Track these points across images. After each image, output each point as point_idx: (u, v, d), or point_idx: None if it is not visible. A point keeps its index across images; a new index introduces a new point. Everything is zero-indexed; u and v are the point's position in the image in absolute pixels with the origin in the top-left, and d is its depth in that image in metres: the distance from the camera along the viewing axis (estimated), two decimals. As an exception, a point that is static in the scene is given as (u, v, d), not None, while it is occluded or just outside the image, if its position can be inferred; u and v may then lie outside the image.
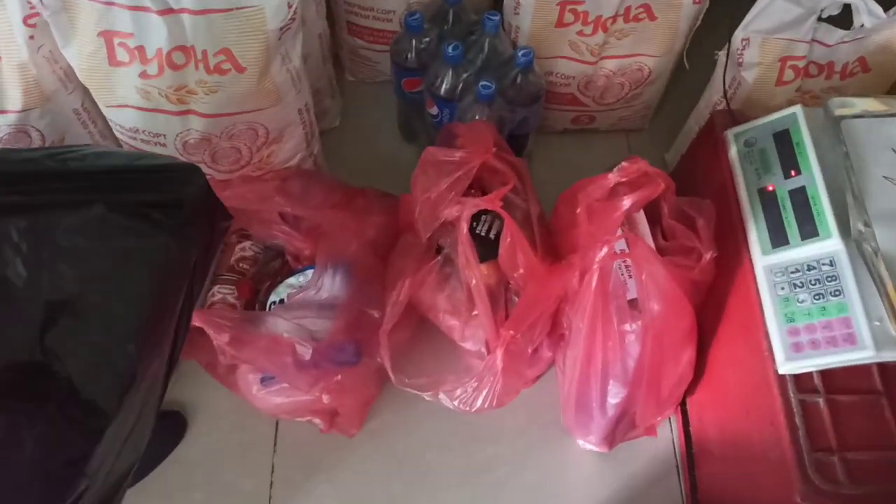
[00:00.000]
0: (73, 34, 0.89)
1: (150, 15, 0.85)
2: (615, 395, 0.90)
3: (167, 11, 0.86)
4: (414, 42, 1.11)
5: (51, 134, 0.99)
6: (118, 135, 1.03)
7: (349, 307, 0.93)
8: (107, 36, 0.88)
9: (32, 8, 0.88)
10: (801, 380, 0.77)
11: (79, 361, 0.57)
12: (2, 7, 0.88)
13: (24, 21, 0.88)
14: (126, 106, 0.95)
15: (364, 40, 1.27)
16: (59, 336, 0.56)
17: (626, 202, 0.80)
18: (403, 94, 1.18)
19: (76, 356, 0.57)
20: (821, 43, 0.98)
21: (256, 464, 1.03)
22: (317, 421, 1.02)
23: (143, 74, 0.90)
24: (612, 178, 0.83)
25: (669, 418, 1.06)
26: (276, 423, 1.06)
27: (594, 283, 0.81)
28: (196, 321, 0.86)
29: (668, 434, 1.06)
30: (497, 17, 1.05)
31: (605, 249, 0.80)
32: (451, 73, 1.07)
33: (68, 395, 0.56)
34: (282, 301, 0.98)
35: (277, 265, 1.07)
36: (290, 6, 0.90)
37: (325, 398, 0.93)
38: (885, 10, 0.92)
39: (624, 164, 0.83)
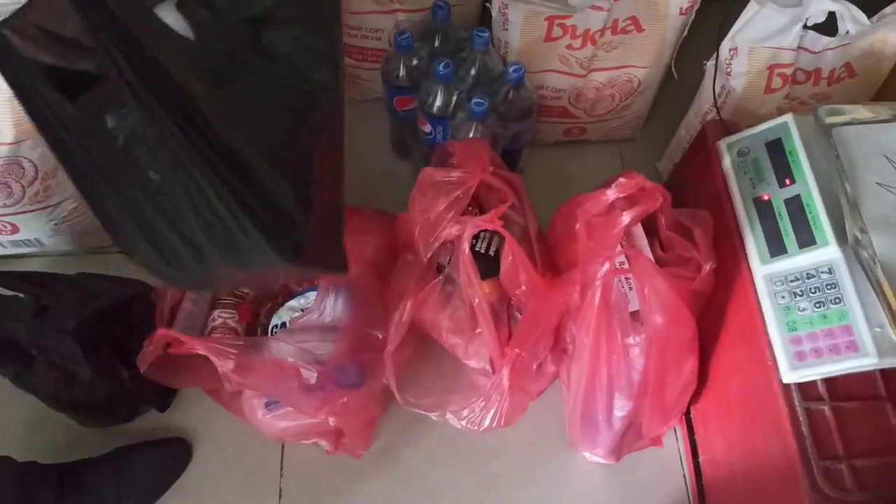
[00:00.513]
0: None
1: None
2: (621, 408, 0.91)
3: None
4: (404, 61, 1.11)
5: (44, 164, 0.98)
6: (111, 163, 1.03)
7: (351, 329, 0.93)
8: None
9: (22, 42, 0.88)
10: (805, 388, 0.78)
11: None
12: (-9, 42, 0.88)
13: (15, 55, 0.88)
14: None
15: (353, 59, 1.27)
16: None
17: (626, 217, 0.81)
18: (396, 112, 1.18)
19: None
20: (807, 50, 0.99)
21: (264, 488, 1.03)
22: (323, 443, 1.02)
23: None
24: (610, 193, 0.84)
25: (675, 428, 1.07)
26: (282, 447, 1.05)
27: (597, 299, 0.82)
28: (200, 349, 0.85)
29: (674, 444, 1.07)
30: (486, 34, 1.06)
31: (606, 265, 0.80)
32: (442, 90, 1.07)
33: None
34: (284, 324, 0.98)
35: (276, 288, 1.07)
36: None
37: (331, 420, 0.93)
38: (869, 16, 0.94)
39: (621, 179, 0.83)
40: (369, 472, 1.04)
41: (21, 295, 0.97)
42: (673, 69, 1.14)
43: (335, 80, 0.76)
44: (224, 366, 0.84)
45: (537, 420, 1.06)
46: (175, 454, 1.04)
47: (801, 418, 0.76)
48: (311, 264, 0.71)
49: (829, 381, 0.78)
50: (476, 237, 0.96)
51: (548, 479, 1.04)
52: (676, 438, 1.07)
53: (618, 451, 1.00)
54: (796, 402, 0.77)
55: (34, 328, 0.93)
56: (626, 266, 0.83)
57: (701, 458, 1.01)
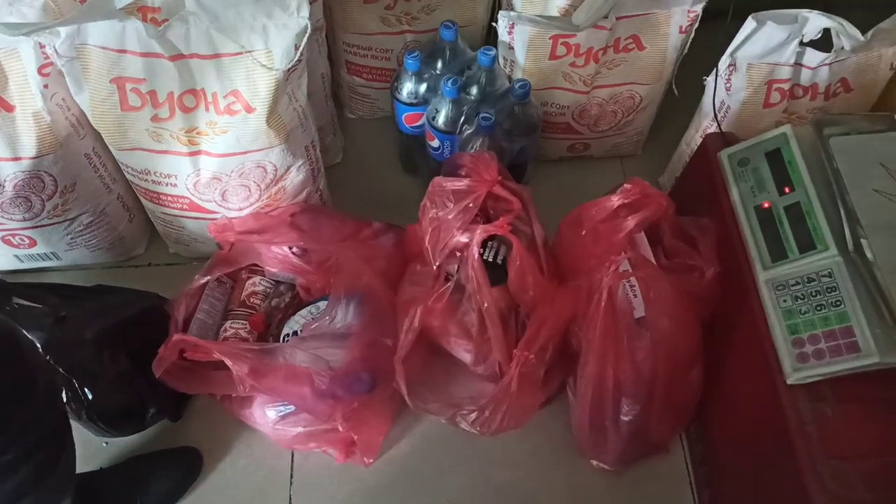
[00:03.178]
0: (86, 81, 0.91)
1: (161, 61, 0.88)
2: (628, 414, 0.92)
3: (178, 57, 0.89)
4: (413, 79, 1.14)
5: (63, 178, 1.01)
6: (129, 177, 1.05)
7: (363, 336, 0.95)
8: (119, 82, 0.90)
9: (47, 58, 0.91)
10: (810, 389, 0.79)
11: None
12: (17, 58, 0.91)
13: (39, 71, 0.91)
14: (137, 149, 0.97)
15: (363, 78, 1.30)
16: None
17: (630, 222, 0.83)
18: (405, 128, 1.22)
19: None
20: (804, 66, 1.02)
21: (274, 497, 1.04)
22: (332, 452, 1.03)
23: (155, 118, 0.93)
24: (615, 199, 0.86)
25: (681, 435, 1.08)
26: (292, 456, 1.06)
27: (603, 304, 0.84)
28: (217, 353, 0.87)
29: (680, 450, 1.07)
30: (492, 52, 1.09)
31: (612, 269, 0.82)
32: (450, 106, 1.11)
33: None
34: (296, 333, 1.00)
35: (287, 298, 1.09)
36: (296, 48, 0.93)
37: (342, 426, 0.94)
38: (863, 32, 0.97)
39: (626, 185, 0.86)
40: (378, 481, 1.05)
41: (40, 305, 0.99)
42: (674, 86, 1.17)
43: None
44: (239, 369, 0.86)
45: (545, 429, 1.07)
46: (187, 464, 1.05)
47: (806, 418, 0.78)
48: None
49: (834, 382, 0.79)
50: (484, 246, 0.98)
51: (556, 488, 1.05)
52: (683, 445, 1.08)
53: (625, 459, 1.01)
54: (801, 404, 0.79)
55: (53, 337, 0.95)
56: (630, 271, 0.85)
57: (708, 464, 1.02)
